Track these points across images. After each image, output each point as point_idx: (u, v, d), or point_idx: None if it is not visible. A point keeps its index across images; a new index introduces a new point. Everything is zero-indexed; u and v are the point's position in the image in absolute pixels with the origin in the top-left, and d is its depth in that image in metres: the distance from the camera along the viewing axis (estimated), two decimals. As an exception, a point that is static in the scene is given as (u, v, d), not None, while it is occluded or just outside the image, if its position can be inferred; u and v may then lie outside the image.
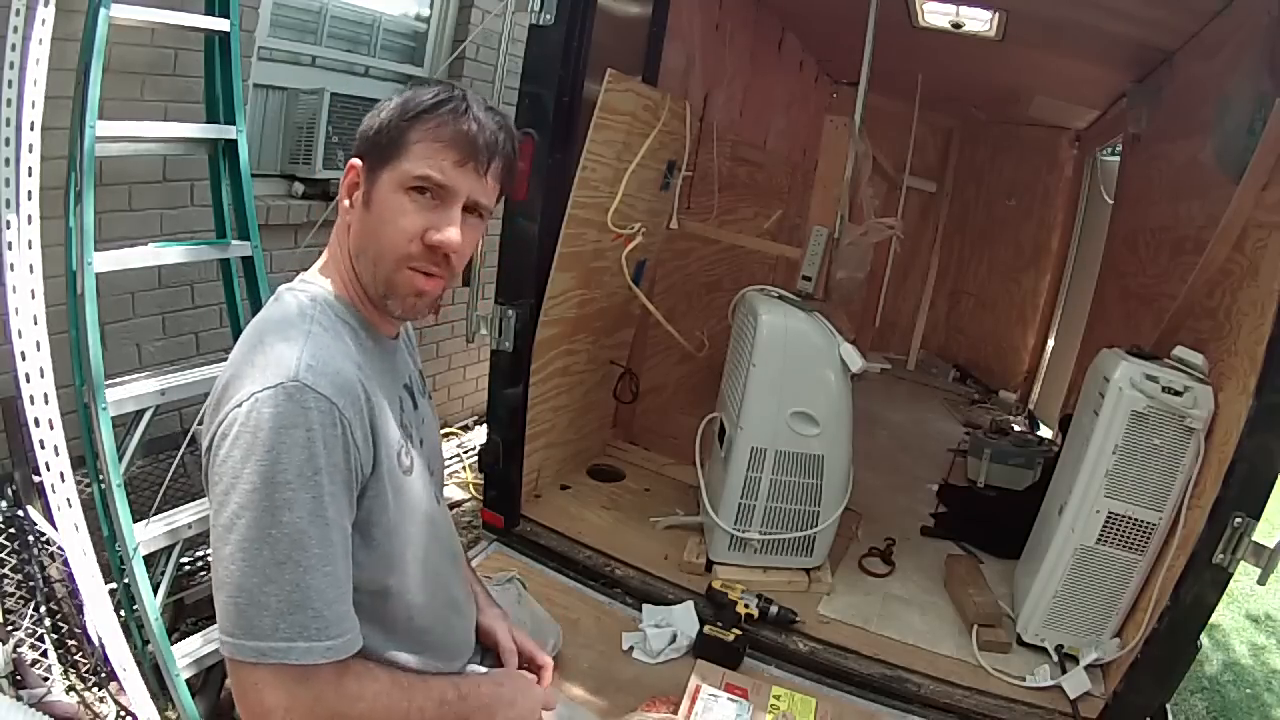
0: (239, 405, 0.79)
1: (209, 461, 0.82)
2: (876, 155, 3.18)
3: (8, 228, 1.66)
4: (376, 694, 0.85)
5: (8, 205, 1.66)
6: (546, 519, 2.32)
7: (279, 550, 0.77)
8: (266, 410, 0.78)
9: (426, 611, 0.96)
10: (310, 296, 0.91)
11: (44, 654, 1.75)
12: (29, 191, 1.66)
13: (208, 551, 2.24)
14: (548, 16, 1.94)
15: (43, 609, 1.79)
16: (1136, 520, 1.81)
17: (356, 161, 0.92)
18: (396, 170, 0.89)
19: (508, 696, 1.00)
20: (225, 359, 1.96)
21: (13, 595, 1.77)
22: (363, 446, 0.84)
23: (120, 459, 1.69)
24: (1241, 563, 1.56)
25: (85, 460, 1.79)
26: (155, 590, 1.70)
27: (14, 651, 1.71)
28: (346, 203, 0.93)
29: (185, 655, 1.72)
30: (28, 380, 1.66)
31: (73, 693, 1.75)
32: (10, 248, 1.66)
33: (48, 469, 1.65)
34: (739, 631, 1.86)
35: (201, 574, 2.20)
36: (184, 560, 2.07)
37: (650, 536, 2.31)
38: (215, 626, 1.81)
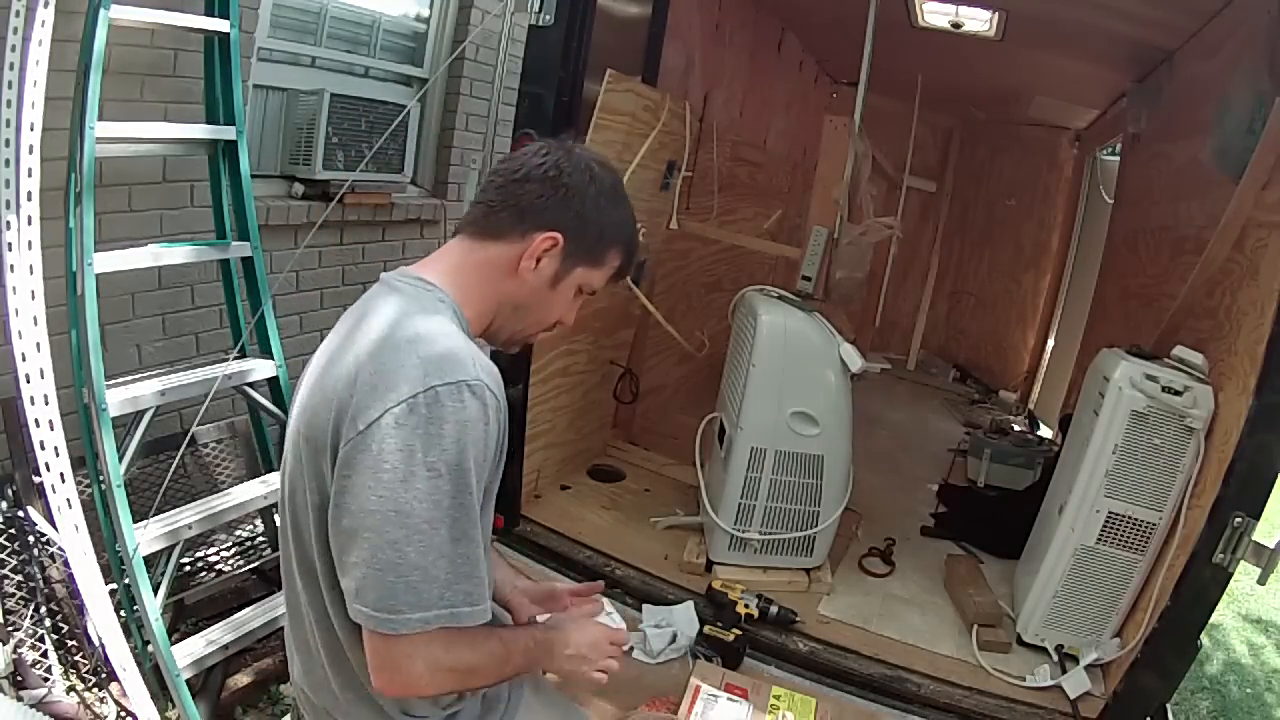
0: (414, 396, 0.84)
1: (360, 445, 0.84)
2: (876, 155, 3.18)
3: (8, 229, 1.66)
4: (492, 651, 0.94)
5: (8, 206, 1.66)
6: (546, 519, 2.32)
7: (457, 528, 0.86)
8: (452, 404, 0.85)
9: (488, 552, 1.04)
10: (438, 298, 0.96)
11: (44, 654, 1.75)
12: (29, 192, 1.66)
13: (208, 552, 2.25)
14: (547, 17, 1.95)
15: (43, 610, 1.79)
16: (1136, 520, 1.81)
17: (558, 237, 0.98)
18: (588, 274, 1.03)
19: (567, 641, 1.07)
20: (225, 359, 1.97)
21: (13, 596, 1.78)
22: (504, 433, 0.94)
23: (120, 460, 1.70)
24: (1241, 562, 1.56)
25: (85, 461, 1.80)
26: (155, 591, 1.70)
27: (14, 652, 1.71)
28: (532, 264, 0.98)
29: (185, 656, 1.72)
30: (28, 381, 1.66)
31: (73, 693, 1.75)
32: (10, 248, 1.66)
33: (48, 470, 1.65)
34: (739, 631, 1.86)
35: (201, 574, 2.20)
36: (184, 561, 2.08)
37: (650, 536, 2.31)
38: (217, 627, 1.83)
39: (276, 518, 1.09)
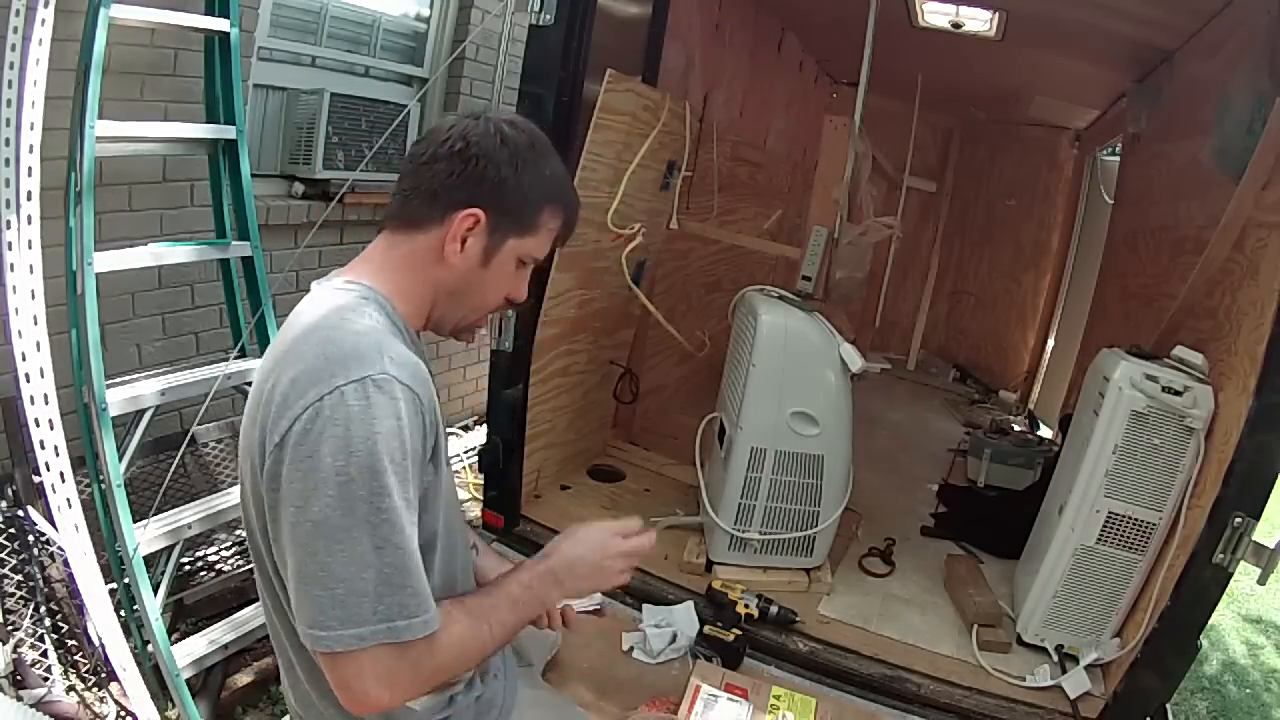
0: (320, 400, 0.79)
1: (278, 459, 0.81)
2: (876, 155, 3.19)
3: (8, 228, 1.66)
4: (461, 635, 0.89)
5: (8, 205, 1.66)
6: (546, 519, 2.32)
7: (378, 535, 0.80)
8: (356, 402, 0.79)
9: (451, 558, 1.01)
10: (361, 296, 0.91)
11: (44, 654, 1.75)
12: (29, 191, 1.66)
13: (208, 551, 2.25)
14: (547, 17, 1.94)
15: (43, 609, 1.79)
16: (1136, 520, 1.81)
17: (479, 213, 0.92)
18: (522, 244, 0.96)
19: (567, 561, 1.02)
20: (225, 359, 1.97)
21: (13, 595, 1.78)
22: (432, 429, 0.88)
23: (120, 459, 1.70)
24: (1241, 563, 1.56)
25: (85, 461, 1.80)
26: (155, 590, 1.70)
27: (14, 652, 1.71)
28: (457, 246, 0.92)
29: (185, 655, 1.73)
30: (28, 380, 1.66)
31: (73, 693, 1.75)
32: (10, 248, 1.66)
33: (48, 469, 1.65)
34: (739, 631, 1.86)
35: (201, 574, 2.20)
36: (184, 560, 2.08)
37: (650, 536, 2.31)
38: (218, 626, 1.83)
39: None
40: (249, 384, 2.01)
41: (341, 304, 0.89)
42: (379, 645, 0.81)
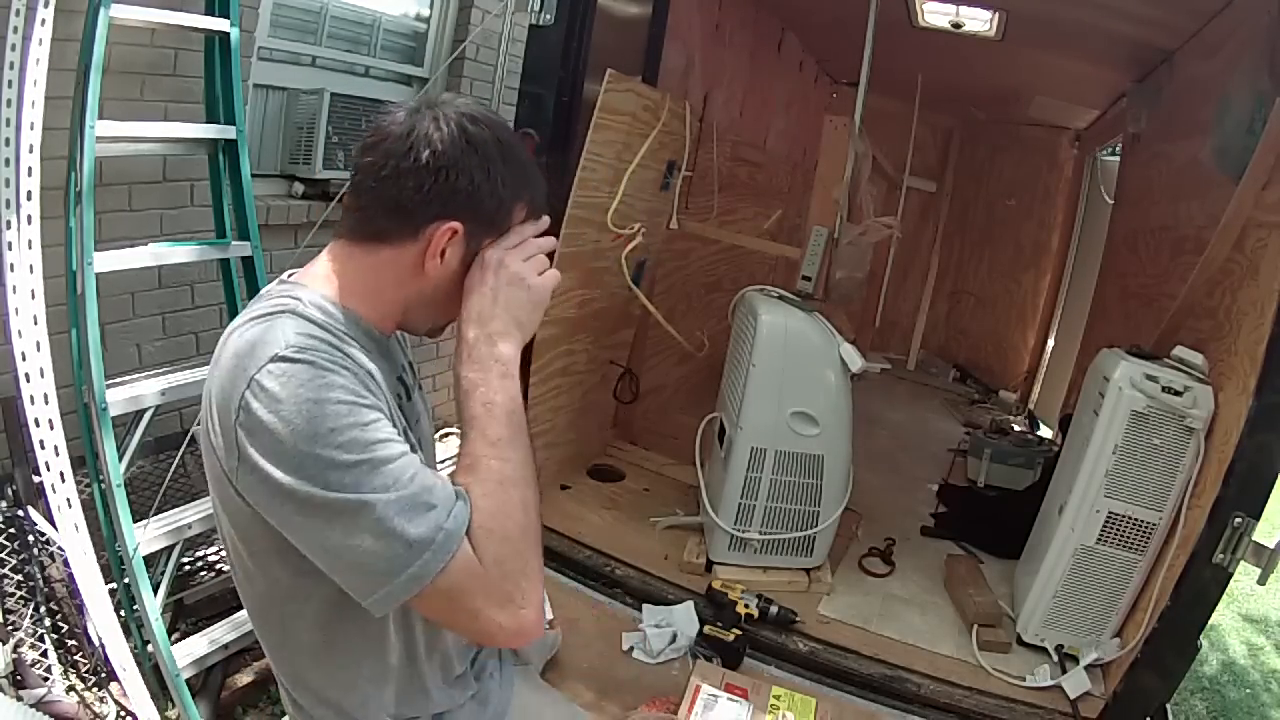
0: (243, 396, 0.76)
1: (238, 473, 0.78)
2: (876, 155, 3.18)
3: (8, 228, 1.66)
4: (492, 485, 0.85)
5: (8, 205, 1.66)
6: (546, 519, 2.27)
7: (363, 490, 0.76)
8: (275, 382, 0.76)
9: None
10: (283, 300, 0.86)
11: (44, 654, 1.75)
12: (29, 191, 1.66)
13: (208, 551, 2.25)
14: (547, 17, 1.95)
15: (43, 609, 1.79)
16: (1136, 520, 1.81)
17: (457, 226, 0.87)
18: (496, 243, 0.91)
19: (475, 313, 0.91)
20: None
21: (13, 595, 1.78)
22: (374, 387, 0.83)
23: (120, 459, 1.70)
24: (1241, 563, 1.56)
25: (85, 460, 1.80)
26: (155, 590, 1.70)
27: (14, 651, 1.71)
28: (437, 260, 0.87)
29: (185, 655, 1.72)
30: (28, 380, 1.66)
31: (73, 693, 1.75)
32: (10, 248, 1.66)
33: (48, 469, 1.65)
34: (739, 631, 1.86)
35: (201, 574, 2.20)
36: (184, 560, 2.07)
37: (650, 536, 2.31)
38: (218, 626, 1.83)
39: None
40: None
41: (263, 308, 0.86)
42: (444, 568, 0.78)
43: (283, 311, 0.83)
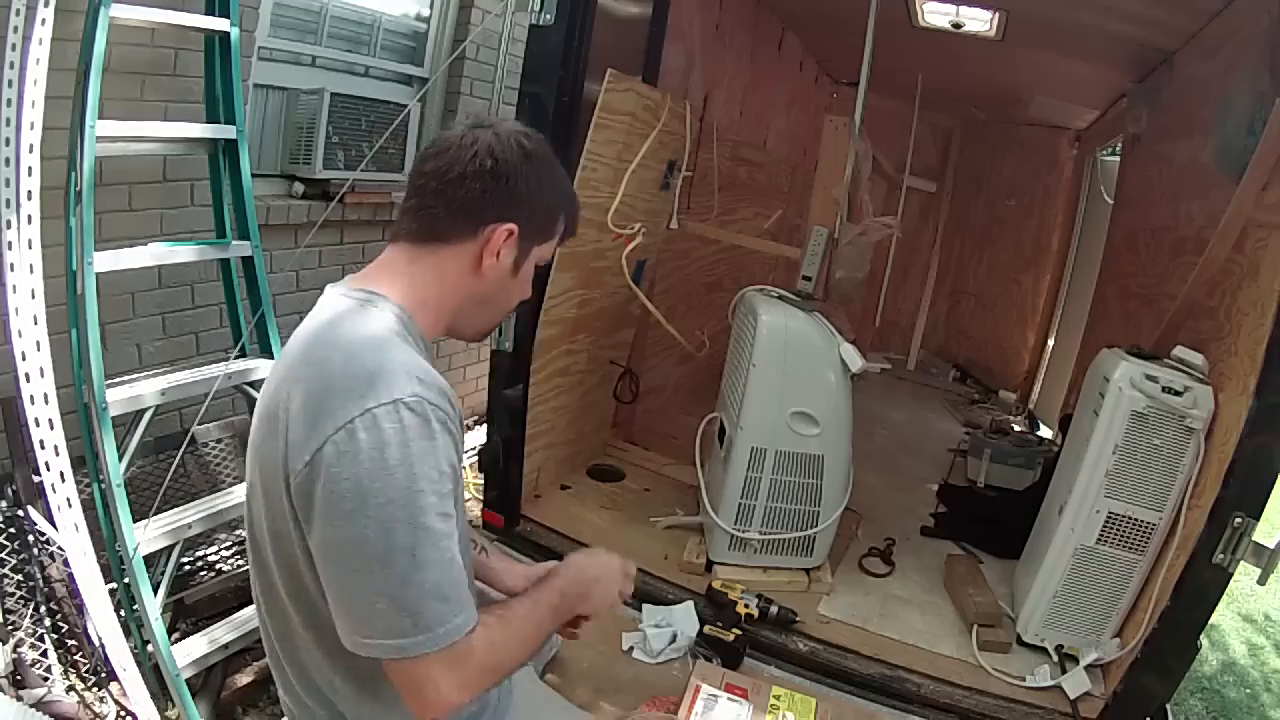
0: (351, 422, 0.81)
1: (310, 476, 0.82)
2: (876, 155, 3.19)
3: (8, 228, 1.66)
4: (506, 637, 0.92)
5: (8, 205, 1.66)
6: (547, 519, 2.32)
7: (417, 555, 0.81)
8: (391, 425, 0.81)
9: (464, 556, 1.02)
10: (377, 307, 0.93)
11: (44, 654, 1.75)
12: (29, 191, 1.66)
13: (208, 551, 2.25)
14: (548, 16, 1.94)
15: (43, 609, 1.79)
16: (1136, 520, 1.81)
17: (514, 227, 0.96)
18: (542, 249, 1.03)
19: (591, 573, 1.10)
20: (225, 359, 1.97)
21: (13, 595, 1.78)
22: (460, 439, 0.91)
23: (120, 459, 1.69)
24: (1241, 563, 1.56)
25: (85, 460, 1.80)
26: (155, 590, 1.70)
27: (14, 651, 1.71)
28: (494, 259, 0.96)
29: (185, 655, 1.72)
30: (28, 380, 1.66)
31: (73, 693, 1.75)
32: (10, 247, 1.66)
33: (48, 469, 1.65)
34: (739, 631, 1.86)
35: (201, 574, 2.20)
36: (184, 560, 2.08)
37: (650, 536, 2.31)
38: (218, 626, 1.83)
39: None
40: (249, 383, 2.02)
41: (359, 316, 0.91)
42: (446, 649, 0.83)
43: (392, 334, 0.90)
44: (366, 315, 0.91)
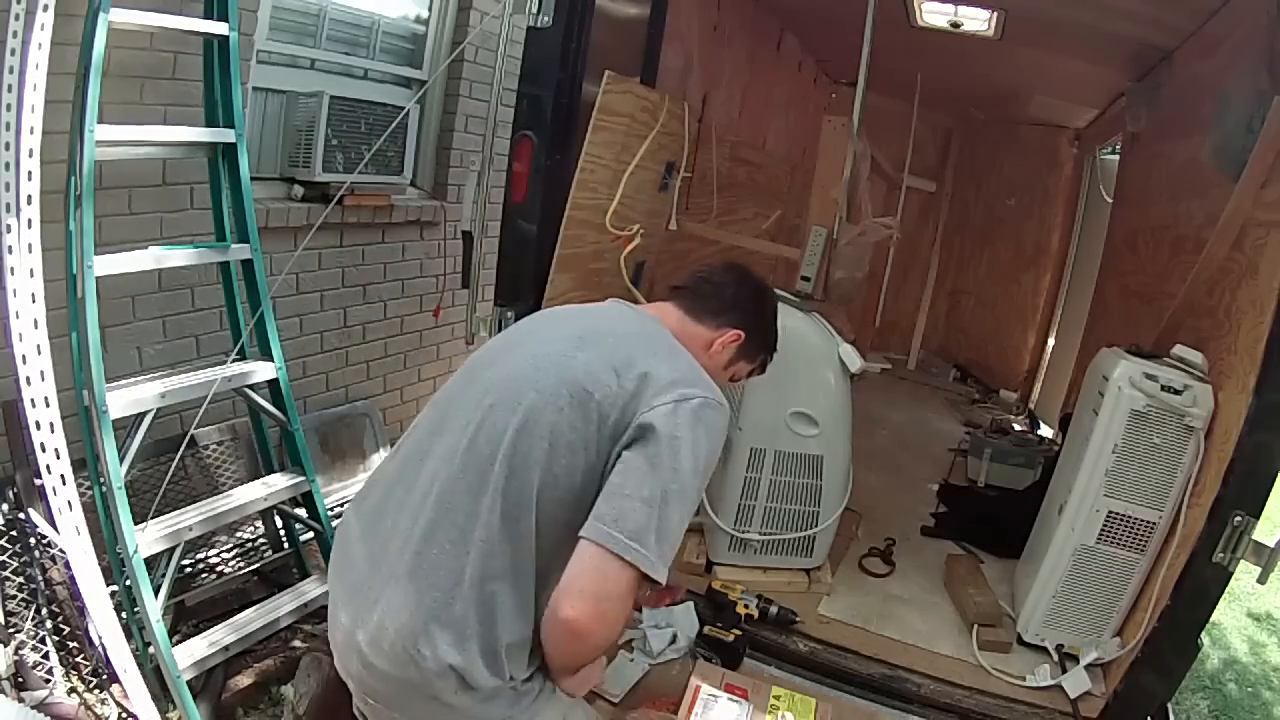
0: (690, 399, 1.07)
1: (668, 414, 1.05)
2: (876, 155, 3.18)
3: (8, 231, 1.66)
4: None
5: (8, 209, 1.66)
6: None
7: (685, 507, 1.06)
8: (715, 416, 1.10)
9: None
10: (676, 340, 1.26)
11: (45, 656, 1.76)
12: (29, 195, 1.67)
13: (209, 554, 2.25)
14: (546, 18, 1.95)
15: (44, 611, 1.80)
16: (1136, 519, 1.81)
17: (740, 334, 1.32)
18: (744, 368, 1.39)
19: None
20: (225, 361, 1.97)
21: (14, 598, 1.78)
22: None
23: (121, 462, 1.70)
24: (1242, 561, 1.56)
25: (86, 463, 1.80)
26: (156, 593, 1.70)
27: (16, 653, 1.71)
28: (720, 351, 1.32)
29: (186, 657, 1.73)
30: (28, 383, 1.66)
31: (74, 694, 1.75)
32: (10, 251, 1.66)
33: (49, 472, 1.65)
34: (739, 631, 1.86)
35: (202, 576, 2.21)
36: (184, 563, 2.08)
37: (650, 537, 2.31)
38: (218, 628, 1.84)
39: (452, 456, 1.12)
40: (250, 386, 2.03)
41: (677, 338, 1.24)
42: (638, 570, 1.01)
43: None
44: (677, 341, 1.24)
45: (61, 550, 1.76)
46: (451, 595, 1.03)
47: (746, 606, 1.93)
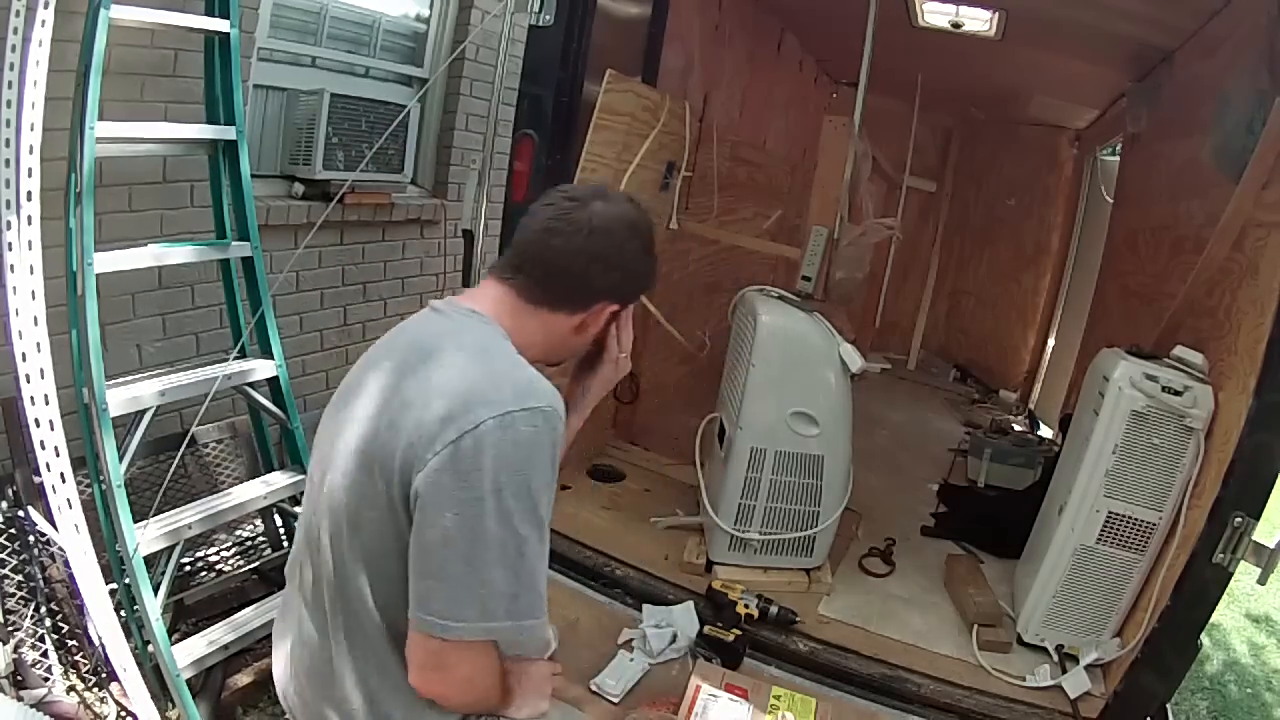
0: (491, 419, 0.88)
1: (439, 466, 0.88)
2: (876, 155, 3.19)
3: (8, 229, 1.66)
4: (507, 682, 1.02)
5: (8, 206, 1.66)
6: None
7: (524, 546, 0.90)
8: (526, 429, 0.90)
9: None
10: (500, 334, 1.01)
11: (45, 654, 1.75)
12: (29, 192, 1.66)
13: (208, 552, 2.25)
14: (547, 17, 1.95)
15: (43, 609, 1.80)
16: (1136, 520, 1.81)
17: (616, 306, 1.08)
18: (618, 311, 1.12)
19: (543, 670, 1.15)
20: (225, 359, 1.97)
21: (14, 596, 1.78)
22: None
23: (121, 460, 1.70)
24: (1242, 562, 1.56)
25: (86, 461, 1.80)
26: (156, 591, 1.70)
27: (15, 652, 1.71)
28: (596, 327, 1.09)
29: (186, 656, 1.73)
30: (28, 381, 1.66)
31: (73, 693, 1.75)
32: (10, 248, 1.66)
33: (48, 470, 1.65)
34: (739, 632, 1.86)
35: (202, 575, 2.20)
36: (184, 561, 2.08)
37: (650, 536, 2.31)
38: (218, 627, 1.83)
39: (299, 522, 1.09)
40: (249, 384, 2.03)
41: (492, 338, 0.99)
42: (488, 641, 0.93)
43: (515, 352, 1.00)
44: (499, 337, 1.00)
45: (61, 548, 1.76)
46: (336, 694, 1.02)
47: (746, 606, 1.93)
